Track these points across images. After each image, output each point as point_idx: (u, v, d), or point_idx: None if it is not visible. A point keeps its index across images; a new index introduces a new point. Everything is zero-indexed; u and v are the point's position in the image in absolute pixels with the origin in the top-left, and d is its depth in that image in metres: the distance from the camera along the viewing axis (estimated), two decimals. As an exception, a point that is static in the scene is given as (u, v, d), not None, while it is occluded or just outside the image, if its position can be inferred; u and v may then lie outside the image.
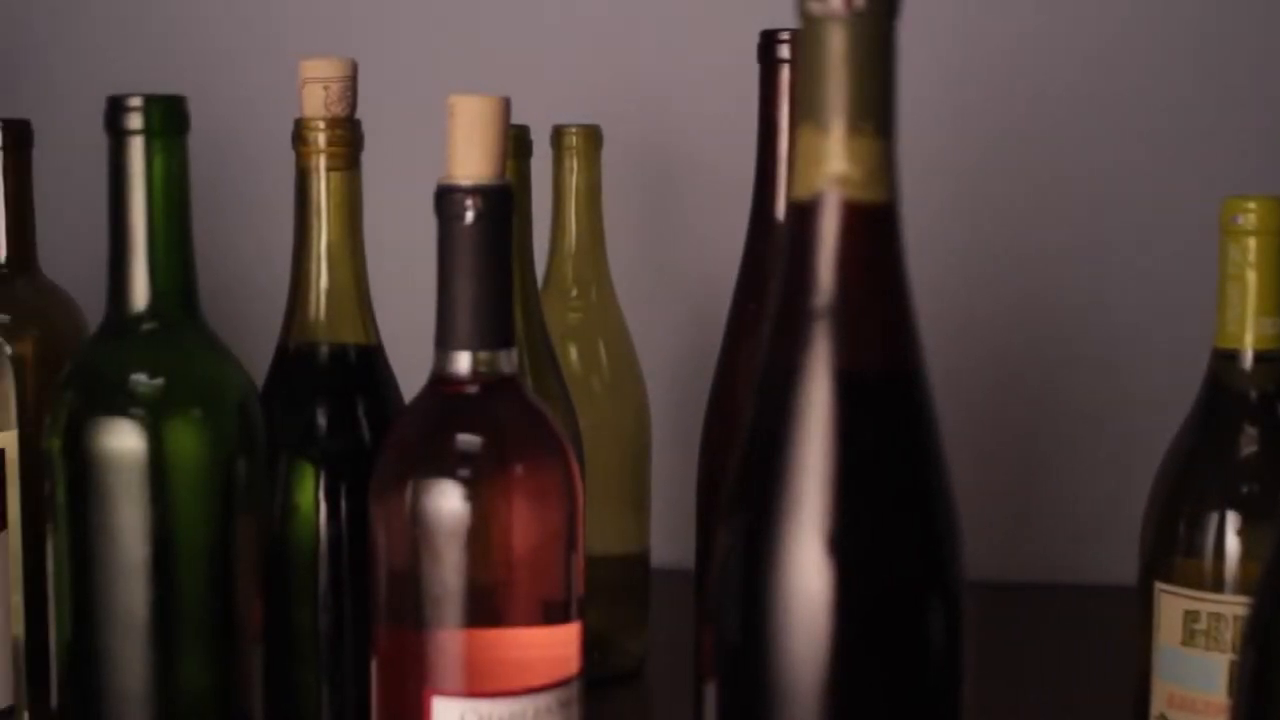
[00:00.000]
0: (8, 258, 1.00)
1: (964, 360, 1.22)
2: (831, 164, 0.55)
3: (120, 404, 0.71)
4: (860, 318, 0.56)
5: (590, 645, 0.72)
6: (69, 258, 1.07)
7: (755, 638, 0.56)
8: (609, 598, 0.98)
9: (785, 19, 0.79)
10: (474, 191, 0.67)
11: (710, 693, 0.58)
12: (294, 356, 0.83)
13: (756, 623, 0.56)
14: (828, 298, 0.55)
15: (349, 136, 0.81)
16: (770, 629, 0.55)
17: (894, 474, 0.56)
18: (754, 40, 0.83)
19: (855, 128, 0.55)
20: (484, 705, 0.68)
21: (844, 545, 0.54)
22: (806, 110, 0.56)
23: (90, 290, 1.02)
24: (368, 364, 0.83)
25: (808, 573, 0.54)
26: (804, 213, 0.56)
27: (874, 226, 0.56)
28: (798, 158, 0.56)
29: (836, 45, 0.55)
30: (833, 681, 0.55)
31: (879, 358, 0.56)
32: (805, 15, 0.55)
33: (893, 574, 0.55)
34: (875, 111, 0.55)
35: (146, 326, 0.72)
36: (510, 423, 0.70)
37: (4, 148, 1.00)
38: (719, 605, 0.58)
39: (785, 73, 0.82)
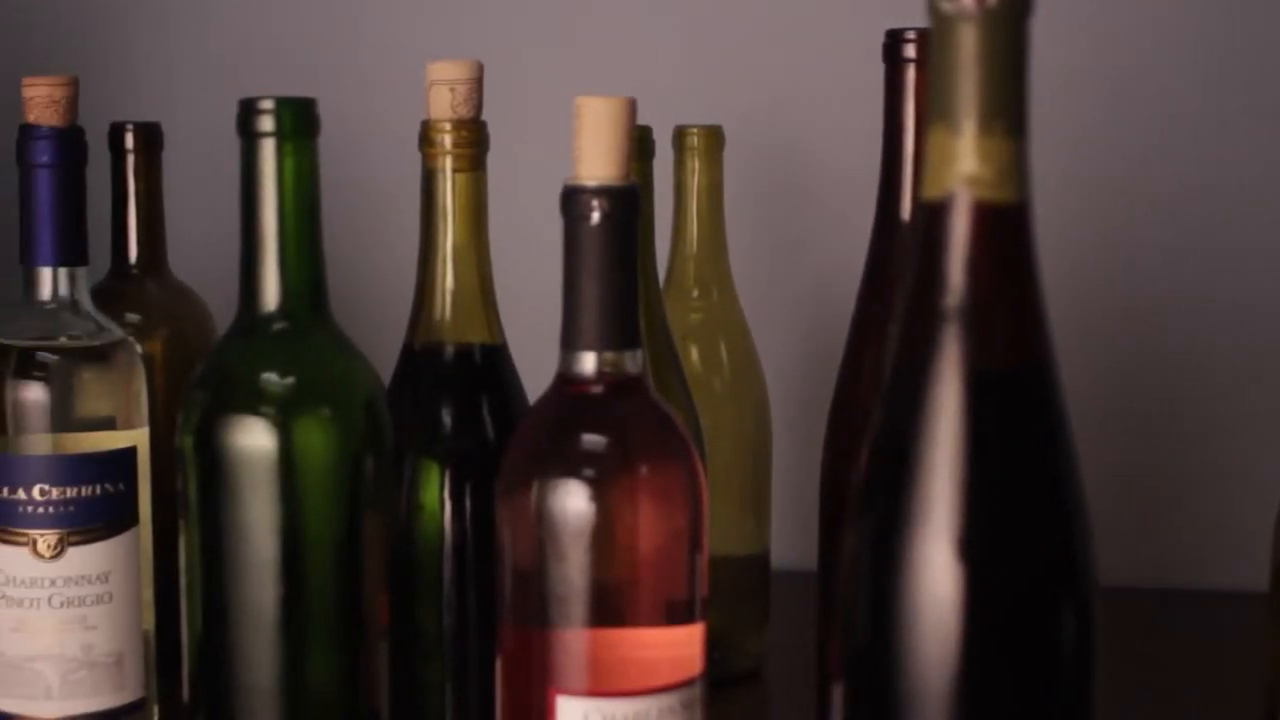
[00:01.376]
0: (138, 258, 1.02)
1: (1094, 362, 1.21)
2: (963, 164, 0.55)
3: (251, 403, 0.72)
4: (991, 318, 0.55)
5: (710, 646, 0.72)
6: (197, 258, 1.09)
7: (884, 641, 0.55)
8: (729, 598, 0.98)
9: (910, 18, 0.78)
10: (600, 192, 0.68)
11: (838, 695, 0.58)
12: (420, 356, 0.84)
13: (886, 626, 0.55)
14: (959, 298, 0.55)
15: (475, 138, 0.82)
16: (900, 632, 0.55)
17: (1025, 476, 0.55)
18: (878, 39, 0.83)
19: (987, 127, 0.55)
20: (608, 705, 0.68)
21: (975, 548, 0.54)
22: (937, 110, 0.55)
23: (218, 290, 1.04)
24: (492, 364, 0.84)
25: (938, 576, 0.54)
26: (935, 213, 0.56)
27: (1005, 227, 0.55)
28: (928, 157, 0.56)
29: (969, 44, 0.54)
30: (963, 686, 0.55)
31: (1010, 358, 0.56)
32: (937, 14, 0.55)
33: (1024, 577, 0.55)
34: (1007, 111, 0.55)
35: (277, 326, 0.73)
36: (635, 423, 0.70)
37: (135, 150, 1.01)
38: (847, 608, 0.58)
39: (911, 72, 0.81)
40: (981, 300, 0.55)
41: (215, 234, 1.18)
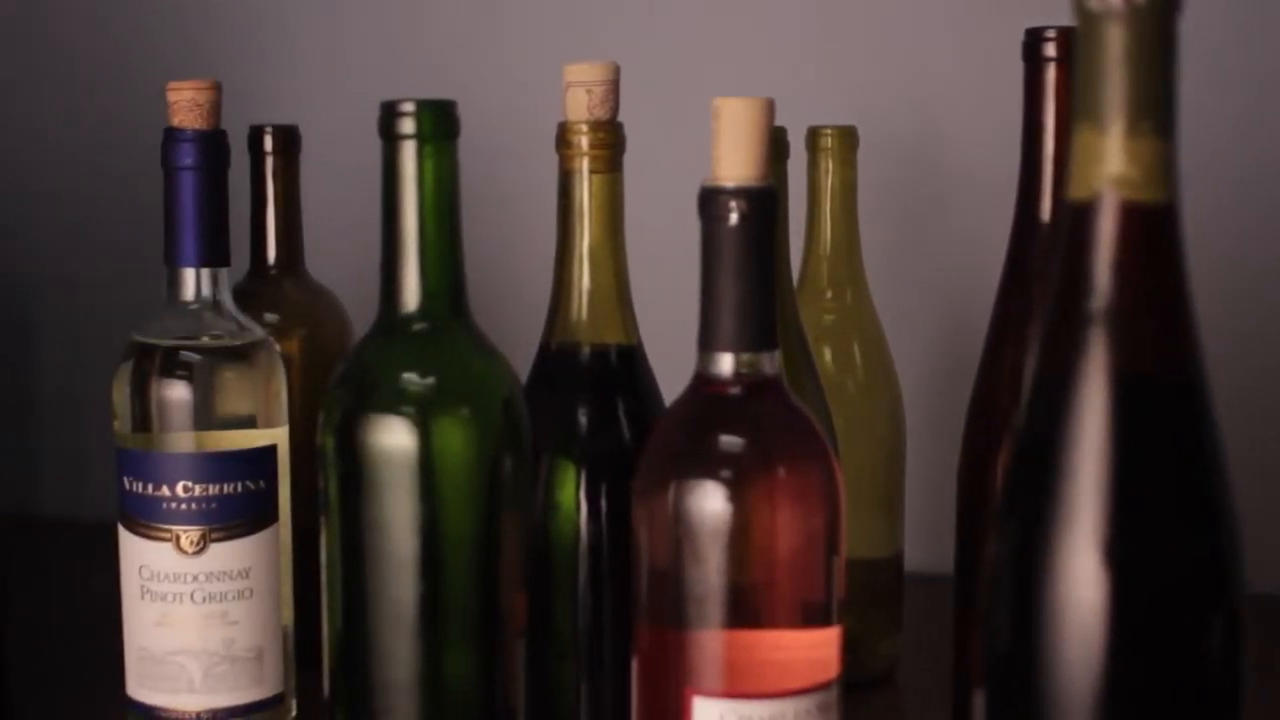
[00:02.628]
0: (276, 259, 1.03)
1: (1244, 363, 1.18)
2: (1110, 164, 0.54)
3: (391, 402, 0.73)
4: (1139, 320, 0.54)
5: (843, 648, 0.71)
6: (334, 259, 1.10)
7: (1027, 646, 0.55)
8: (862, 601, 0.97)
9: (1050, 16, 0.78)
10: (739, 193, 0.68)
11: (978, 701, 0.58)
12: (556, 356, 0.84)
13: (1029, 631, 0.55)
14: (1106, 300, 0.54)
15: (611, 139, 0.82)
16: (1044, 638, 0.54)
17: (1173, 480, 0.55)
18: (1017, 38, 0.82)
19: (1135, 127, 0.54)
20: (744, 706, 0.68)
21: (1121, 553, 0.53)
22: (1083, 110, 0.55)
23: (354, 290, 1.05)
24: (628, 364, 0.84)
25: (1083, 582, 0.53)
26: (1081, 214, 0.55)
27: (1153, 227, 0.55)
28: (1074, 158, 0.55)
29: (1116, 43, 0.54)
30: (1107, 693, 0.54)
31: (1158, 361, 0.55)
32: (1083, 13, 0.54)
33: (1171, 583, 0.54)
34: (1155, 110, 0.54)
35: (417, 327, 0.74)
36: (773, 424, 0.70)
37: (273, 152, 1.02)
38: (989, 613, 0.57)
39: (1052, 71, 0.80)
40: (1129, 302, 0.54)
41: (351, 235, 1.19)
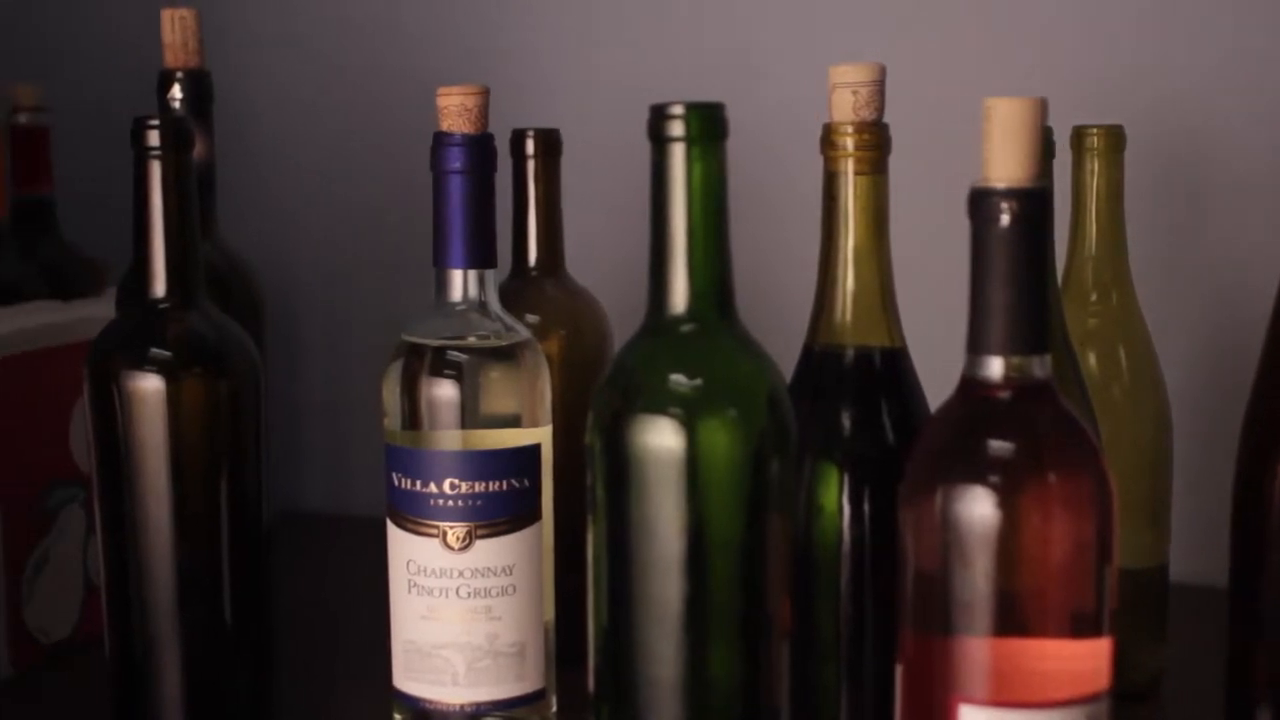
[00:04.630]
0: (537, 260, 1.04)
1: None
2: None
3: (659, 403, 0.73)
4: None
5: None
6: (593, 260, 1.11)
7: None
8: (1127, 612, 0.95)
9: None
10: (1011, 194, 0.67)
11: (1263, 716, 0.56)
12: (819, 358, 0.84)
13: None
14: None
15: (877, 140, 0.81)
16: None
17: None
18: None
19: None
20: (1012, 716, 0.67)
21: None
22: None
23: (613, 291, 1.07)
24: (892, 367, 0.84)
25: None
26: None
27: None
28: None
29: None
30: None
31: None
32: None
33: None
34: None
35: (685, 328, 0.74)
36: (1044, 429, 0.69)
37: (535, 155, 1.04)
38: (1276, 627, 0.55)
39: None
40: None
41: (610, 236, 1.21)
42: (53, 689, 1.02)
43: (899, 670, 0.71)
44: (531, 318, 1.00)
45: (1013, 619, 0.67)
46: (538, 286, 1.04)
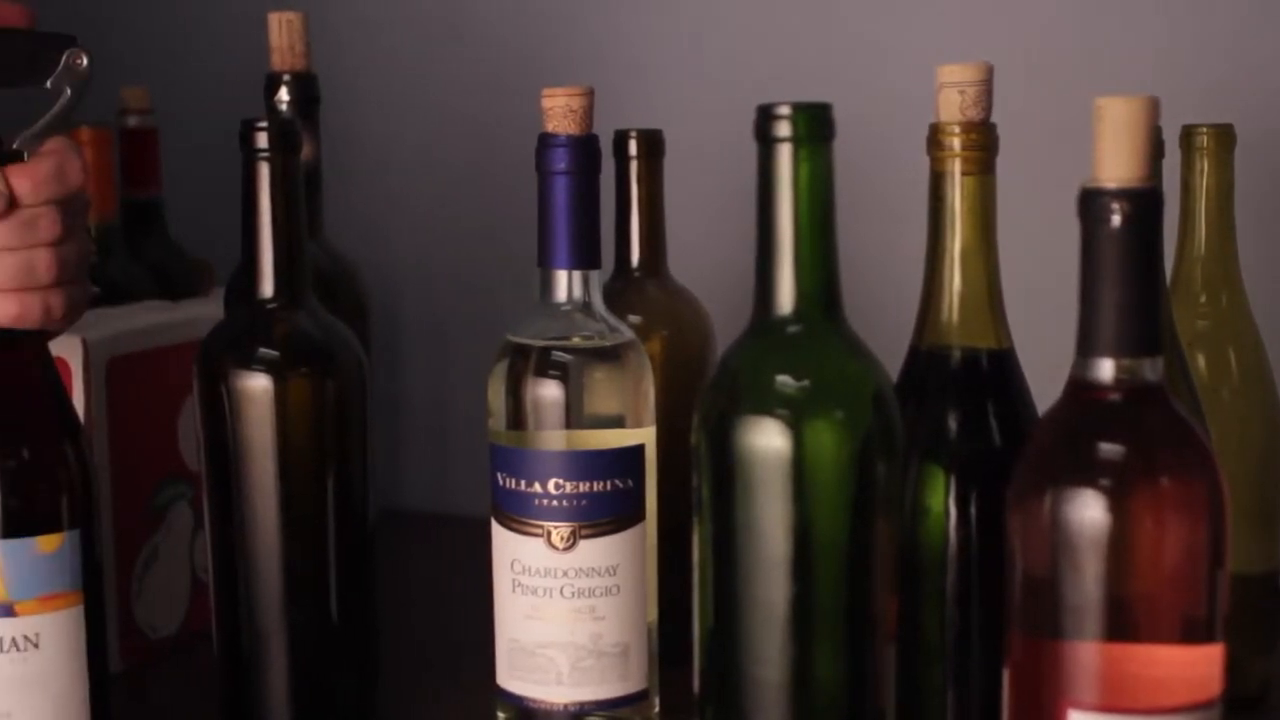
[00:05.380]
0: (640, 261, 1.04)
1: None
2: None
3: (765, 404, 0.73)
4: None
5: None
6: (694, 261, 1.11)
7: None
8: (1234, 618, 0.93)
9: None
10: (1122, 194, 0.66)
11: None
12: (926, 359, 0.83)
13: None
14: None
15: (984, 141, 0.81)
16: None
17: None
18: None
19: None
20: (1121, 721, 0.67)
21: None
22: None
23: (715, 291, 1.07)
24: (999, 368, 0.83)
25: None
26: None
27: None
28: None
29: None
30: None
31: None
32: None
33: None
34: None
35: (791, 329, 0.74)
36: (1155, 432, 0.68)
37: (638, 156, 1.04)
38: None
39: None
40: None
41: (712, 237, 1.21)
42: (160, 683, 1.04)
43: (1006, 674, 0.71)
44: (634, 318, 1.00)
45: (1123, 624, 0.67)
46: (640, 287, 1.04)
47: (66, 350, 0.99)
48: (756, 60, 1.30)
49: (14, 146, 0.82)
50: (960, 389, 0.82)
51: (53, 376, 0.84)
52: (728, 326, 0.88)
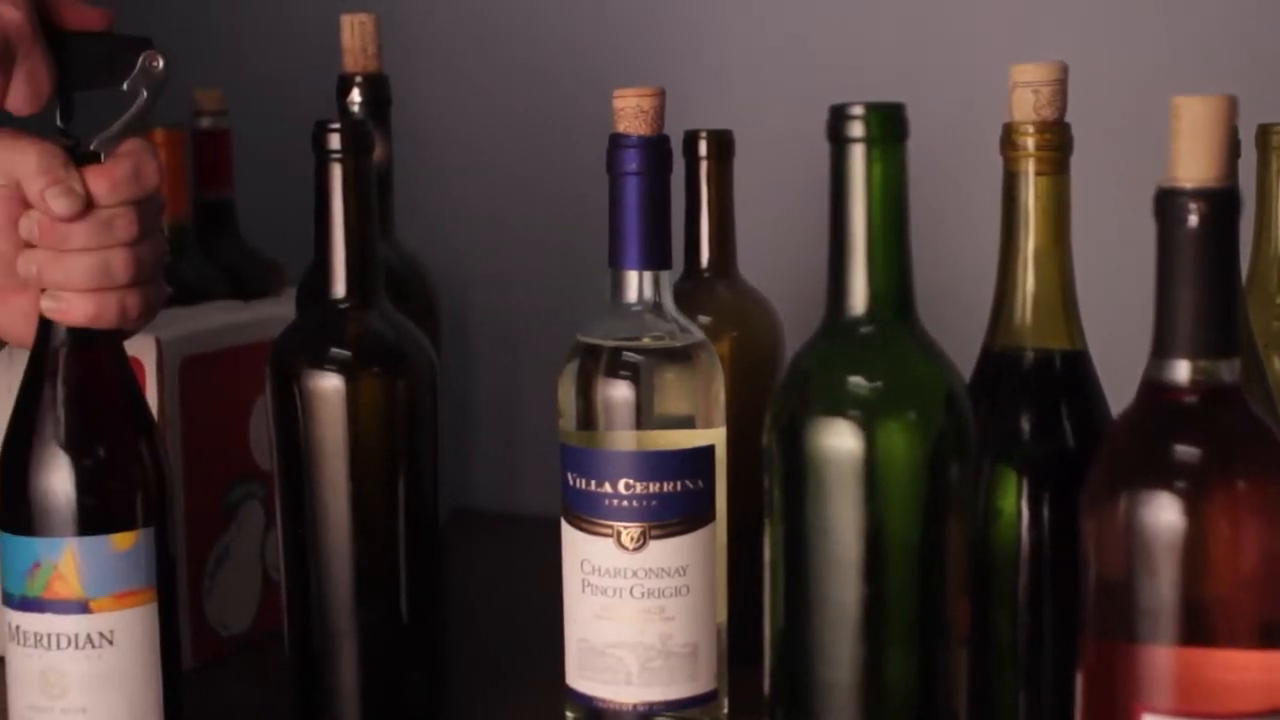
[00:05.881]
0: (710, 261, 1.04)
1: None
2: None
3: (837, 405, 0.73)
4: None
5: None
6: (763, 261, 1.11)
7: None
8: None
9: None
10: (1200, 194, 0.65)
11: None
12: (998, 360, 0.83)
13: None
14: None
15: (1058, 140, 0.80)
16: None
17: None
18: None
19: None
20: (1196, 726, 0.66)
21: None
22: None
23: (784, 292, 1.06)
24: (1073, 370, 0.82)
25: None
26: None
27: None
28: None
29: None
30: None
31: None
32: None
33: None
34: None
35: (864, 330, 0.74)
36: (1232, 434, 0.67)
37: (708, 156, 1.04)
38: None
39: None
40: None
41: (781, 237, 1.21)
42: (231, 681, 1.04)
43: (1079, 678, 0.70)
44: (703, 319, 0.99)
45: (1199, 628, 0.66)
46: (709, 288, 1.04)
47: (141, 350, 1.00)
48: (827, 60, 1.29)
49: (91, 148, 0.83)
50: (1033, 390, 0.82)
51: (128, 376, 0.85)
52: (797, 327, 0.88)
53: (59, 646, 0.82)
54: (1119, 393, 0.73)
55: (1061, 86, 0.80)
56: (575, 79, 1.38)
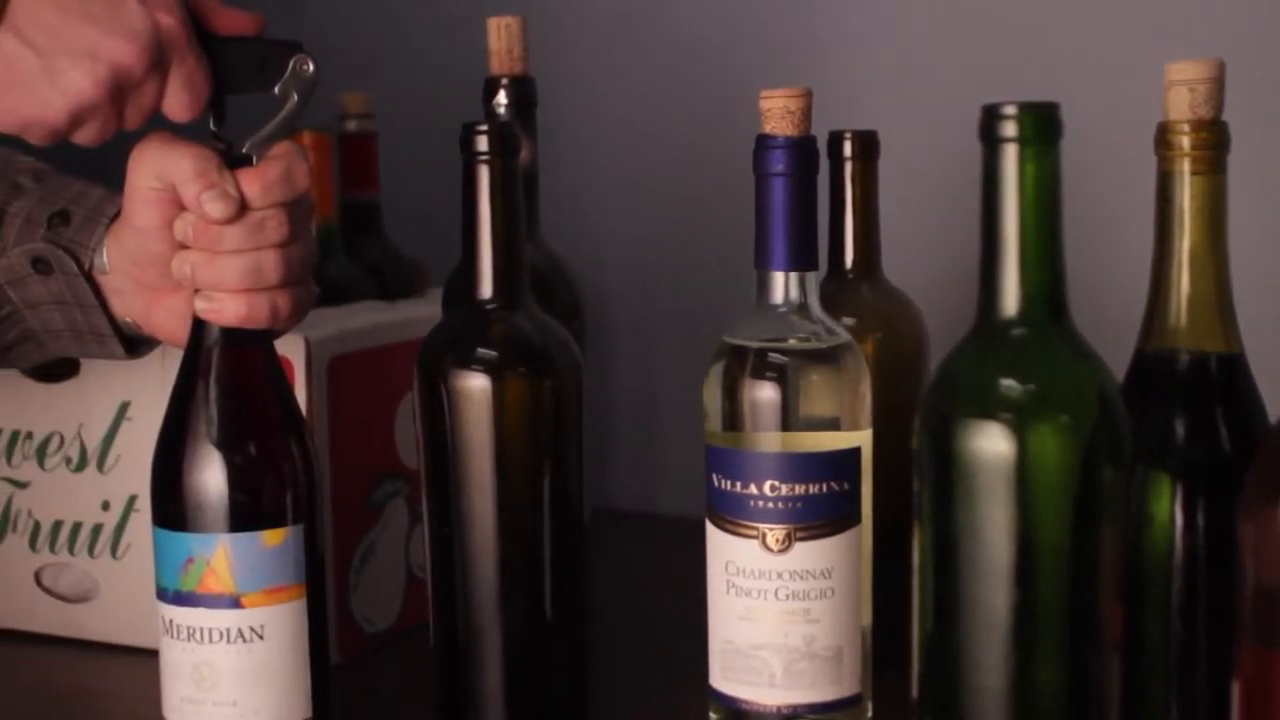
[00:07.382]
0: (854, 262, 1.04)
1: None
2: None
3: (988, 408, 0.72)
4: None
5: None
6: (908, 262, 1.10)
7: None
8: None
9: None
10: (1365, 194, 0.64)
11: None
12: (1152, 362, 0.82)
13: None
14: None
15: (1215, 139, 0.79)
16: None
17: None
18: None
19: None
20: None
21: None
22: None
23: (929, 293, 1.05)
24: (1229, 372, 0.81)
25: None
26: None
27: None
28: None
29: None
30: None
31: None
32: None
33: None
34: None
35: (1016, 332, 0.73)
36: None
37: (853, 157, 1.03)
38: None
39: None
40: None
41: (926, 238, 1.20)
42: (377, 676, 1.06)
43: (1236, 687, 0.69)
44: (847, 320, 0.99)
45: (1362, 637, 0.65)
46: (854, 289, 1.03)
47: (290, 349, 1.01)
48: (972, 60, 1.28)
49: (244, 151, 0.84)
50: (1188, 393, 0.81)
51: (279, 375, 0.87)
52: (942, 329, 0.87)
53: (211, 640, 0.83)
54: (1277, 397, 0.72)
55: (1218, 84, 0.79)
56: (720, 80, 1.38)
